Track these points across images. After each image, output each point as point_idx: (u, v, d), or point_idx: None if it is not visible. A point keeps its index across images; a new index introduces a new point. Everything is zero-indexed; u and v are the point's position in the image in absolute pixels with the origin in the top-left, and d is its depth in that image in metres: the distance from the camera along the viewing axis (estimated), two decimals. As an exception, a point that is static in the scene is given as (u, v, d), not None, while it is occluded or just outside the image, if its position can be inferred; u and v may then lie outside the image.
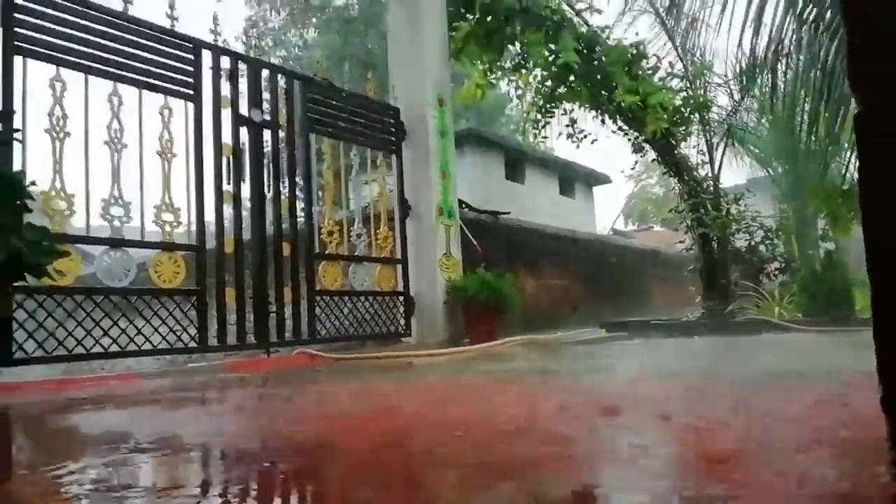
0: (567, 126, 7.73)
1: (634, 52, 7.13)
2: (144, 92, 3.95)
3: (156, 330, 3.84)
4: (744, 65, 6.83)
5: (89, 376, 3.65)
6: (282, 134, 4.87)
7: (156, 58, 4.03)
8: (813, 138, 5.46)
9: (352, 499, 1.14)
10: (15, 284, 2.91)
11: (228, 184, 4.33)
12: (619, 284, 9.74)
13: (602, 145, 8.11)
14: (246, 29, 16.02)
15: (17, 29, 3.44)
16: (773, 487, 1.00)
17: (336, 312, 4.96)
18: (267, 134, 4.73)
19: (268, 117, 4.73)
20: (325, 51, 13.85)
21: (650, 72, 7.30)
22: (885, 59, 1.06)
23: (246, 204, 4.58)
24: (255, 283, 4.43)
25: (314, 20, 16.40)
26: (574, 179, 13.33)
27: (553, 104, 7.58)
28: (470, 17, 6.93)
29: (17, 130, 3.23)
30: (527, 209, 9.56)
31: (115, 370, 4.04)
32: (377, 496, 1.12)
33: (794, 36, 5.14)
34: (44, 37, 3.55)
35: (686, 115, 7.40)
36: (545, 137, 8.09)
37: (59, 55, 3.60)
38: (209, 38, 4.42)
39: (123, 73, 3.86)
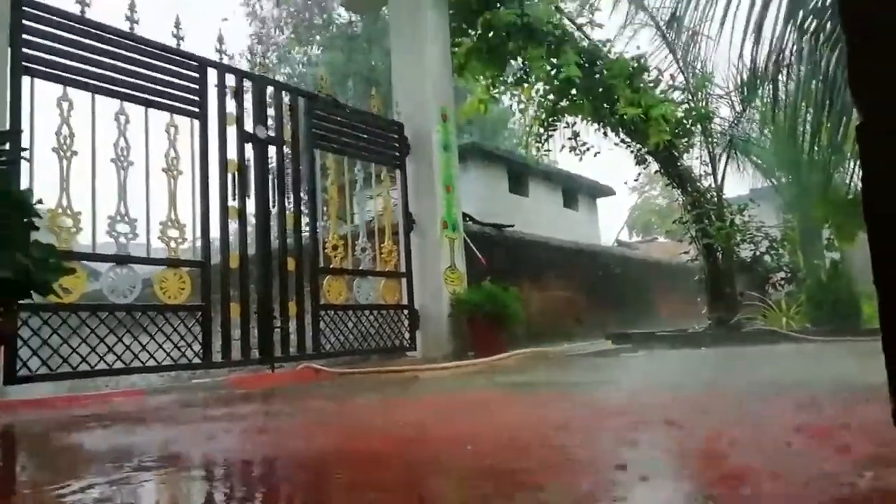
0: (570, 139, 7.76)
1: (636, 65, 7.17)
2: (150, 110, 3.99)
3: (160, 346, 3.84)
4: (745, 76, 6.85)
5: (94, 393, 3.65)
6: (286, 150, 4.91)
7: (162, 76, 4.08)
8: (816, 148, 5.45)
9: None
10: (21, 302, 2.92)
11: (233, 200, 4.35)
12: (624, 296, 9.71)
13: (605, 157, 8.11)
14: (251, 47, 16.20)
15: (24, 49, 3.49)
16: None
17: (341, 327, 4.96)
18: (272, 150, 4.76)
19: (272, 133, 4.76)
20: (328, 68, 13.97)
21: (652, 84, 7.33)
22: (885, 58, 1.06)
23: (251, 219, 4.60)
24: (260, 298, 4.44)
25: (318, 38, 16.56)
26: (577, 192, 13.35)
27: (555, 118, 7.61)
28: (472, 33, 7.00)
29: (25, 149, 3.25)
30: (531, 222, 9.56)
31: (120, 387, 4.04)
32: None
33: (795, 47, 5.15)
34: (51, 57, 3.59)
35: (688, 126, 7.42)
36: (548, 150, 8.11)
37: (67, 75, 3.65)
38: (215, 57, 4.48)
39: (130, 91, 3.90)
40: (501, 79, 7.65)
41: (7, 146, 2.89)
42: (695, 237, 7.43)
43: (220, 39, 4.64)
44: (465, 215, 6.38)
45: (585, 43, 7.27)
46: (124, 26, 3.95)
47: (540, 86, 7.50)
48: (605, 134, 7.59)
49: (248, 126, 4.55)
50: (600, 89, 7.10)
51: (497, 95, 8.15)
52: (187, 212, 4.09)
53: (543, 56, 6.79)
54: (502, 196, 11.10)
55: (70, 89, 3.64)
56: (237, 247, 4.35)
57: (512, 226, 7.95)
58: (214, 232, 4.22)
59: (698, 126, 7.50)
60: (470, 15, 6.86)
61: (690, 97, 7.67)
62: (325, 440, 1.97)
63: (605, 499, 1.14)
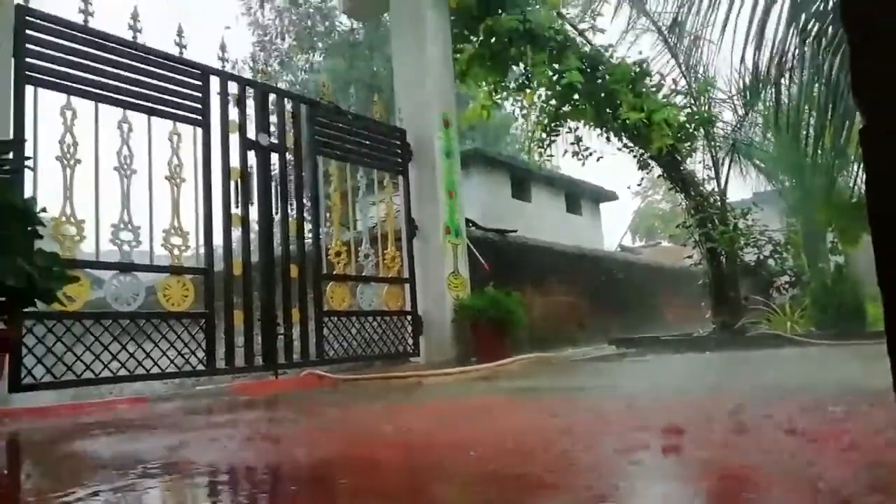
0: (572, 144, 7.77)
1: (638, 69, 7.18)
2: (153, 118, 4.01)
3: (164, 353, 3.84)
4: (747, 80, 6.85)
5: (98, 401, 3.65)
6: (289, 157, 4.92)
7: (165, 84, 4.10)
8: (819, 152, 5.44)
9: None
10: (25, 310, 2.93)
11: (237, 207, 4.36)
12: (628, 300, 9.68)
13: (608, 162, 8.12)
14: (253, 54, 16.28)
15: (28, 59, 3.51)
16: None
17: (344, 333, 4.96)
18: (274, 157, 4.77)
19: (275, 141, 4.78)
20: (330, 74, 14.03)
21: (654, 89, 7.34)
22: (887, 61, 1.06)
23: (254, 227, 4.60)
24: (264, 305, 4.44)
25: (320, 45, 16.64)
26: (580, 196, 13.35)
27: (558, 123, 7.62)
28: (474, 39, 7.03)
29: (28, 158, 3.27)
30: (534, 227, 9.56)
31: (124, 394, 4.04)
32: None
33: (797, 51, 5.16)
34: (55, 66, 3.62)
35: (691, 130, 7.42)
36: (551, 156, 8.12)
37: (70, 84, 3.67)
38: (217, 64, 4.50)
39: (133, 100, 3.92)
40: (503, 84, 7.67)
41: (11, 155, 2.90)
42: (698, 241, 7.42)
43: (223, 47, 4.66)
44: (467, 221, 6.39)
45: (587, 48, 7.29)
46: (127, 35, 3.98)
47: (542, 91, 7.52)
48: (608, 139, 7.59)
49: (251, 133, 4.56)
50: (602, 94, 7.12)
51: (499, 101, 8.16)
52: (190, 219, 4.10)
53: (545, 61, 6.81)
54: (505, 201, 11.11)
55: (73, 98, 3.66)
56: (240, 254, 4.36)
57: (515, 231, 7.95)
58: (218, 239, 4.23)
59: (701, 130, 7.50)
60: (471, 21, 6.89)
61: (693, 101, 7.68)
62: (329, 446, 1.97)
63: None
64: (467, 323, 5.48)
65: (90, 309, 3.65)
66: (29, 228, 2.66)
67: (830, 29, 4.54)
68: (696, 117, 7.44)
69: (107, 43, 3.86)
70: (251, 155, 4.53)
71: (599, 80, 7.10)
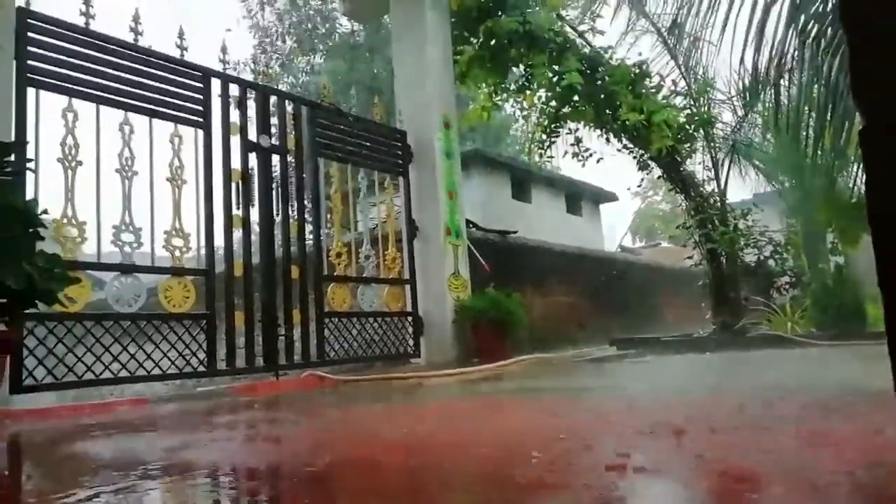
0: (572, 145, 7.77)
1: (637, 71, 7.19)
2: (155, 120, 4.02)
3: (165, 355, 3.84)
4: (746, 81, 6.86)
5: (98, 402, 3.65)
6: (290, 158, 4.93)
7: (166, 87, 4.10)
8: (819, 152, 5.45)
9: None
10: (26, 311, 2.94)
11: (238, 208, 4.36)
12: (628, 301, 9.68)
13: (608, 163, 8.12)
14: (254, 56, 16.29)
15: (30, 61, 3.52)
16: None
17: (345, 334, 4.96)
18: (275, 159, 4.78)
19: (276, 142, 4.78)
20: (331, 76, 14.04)
21: (654, 90, 7.34)
22: (887, 61, 1.07)
23: (255, 228, 4.61)
24: (264, 307, 4.44)
25: (321, 47, 16.65)
26: (580, 197, 13.35)
27: (558, 124, 7.63)
28: (474, 40, 7.04)
29: (30, 160, 3.28)
30: (534, 228, 9.57)
31: (125, 396, 4.04)
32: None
33: (797, 52, 5.16)
34: (56, 68, 3.63)
35: (690, 131, 7.42)
36: (551, 157, 8.13)
37: (71, 86, 3.68)
38: (218, 67, 4.51)
39: (134, 102, 3.93)
40: (503, 86, 7.67)
41: (12, 157, 2.90)
42: (698, 242, 7.42)
43: (224, 49, 4.67)
44: (468, 222, 6.39)
45: (587, 49, 7.29)
46: (128, 38, 3.99)
47: (542, 92, 7.53)
48: (608, 140, 7.60)
49: (252, 135, 4.57)
50: (602, 95, 7.13)
51: (499, 103, 8.17)
52: (191, 221, 4.11)
53: (545, 63, 6.82)
54: (505, 202, 11.11)
55: (75, 100, 3.67)
56: (241, 255, 4.36)
57: (515, 232, 7.95)
58: (219, 241, 4.23)
59: (701, 131, 7.50)
60: (471, 23, 6.90)
61: (692, 102, 7.69)
62: (330, 448, 1.97)
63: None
64: (468, 324, 5.48)
65: (91, 310, 3.65)
66: (30, 230, 2.66)
67: (830, 30, 4.55)
68: (696, 118, 7.45)
69: (108, 45, 3.87)
70: (252, 156, 4.54)
71: (599, 82, 7.11)
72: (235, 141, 4.44)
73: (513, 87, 7.73)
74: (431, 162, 5.80)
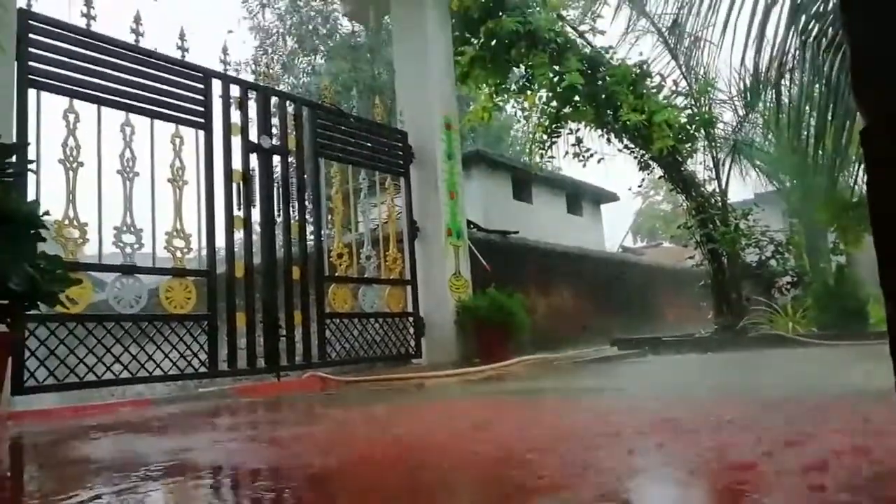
0: (573, 145, 7.78)
1: (638, 71, 7.19)
2: (156, 121, 4.02)
3: (166, 356, 3.85)
4: (747, 81, 6.86)
5: (100, 403, 3.66)
6: (291, 159, 4.94)
7: (167, 88, 4.11)
8: (820, 152, 5.44)
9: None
10: (27, 312, 2.94)
11: (239, 209, 4.37)
12: (630, 301, 9.68)
13: (608, 163, 8.13)
14: (255, 57, 16.29)
15: (31, 62, 3.53)
16: None
17: (346, 335, 4.96)
18: (276, 159, 4.78)
19: (277, 143, 4.79)
20: (332, 77, 14.04)
21: (655, 90, 7.35)
22: (888, 62, 1.07)
23: (256, 229, 4.61)
24: (266, 307, 4.45)
25: (321, 47, 16.65)
26: (581, 198, 13.34)
27: (559, 124, 7.63)
28: (474, 41, 7.04)
29: (31, 161, 3.28)
30: (535, 228, 9.56)
31: (126, 396, 4.04)
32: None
33: (798, 52, 5.16)
34: (57, 70, 3.63)
35: (691, 131, 7.43)
36: (552, 157, 8.14)
37: (72, 87, 3.68)
38: (219, 67, 4.51)
39: (135, 103, 3.94)
40: (504, 87, 7.68)
41: (14, 158, 2.91)
42: (700, 242, 7.42)
43: (225, 50, 4.68)
44: (469, 222, 6.39)
45: (588, 50, 7.30)
46: (129, 39, 4.00)
47: (543, 93, 7.53)
48: (609, 140, 7.61)
49: (253, 136, 4.58)
50: (603, 96, 7.13)
51: (500, 103, 8.18)
52: (193, 222, 4.12)
53: (546, 63, 6.83)
54: (506, 203, 11.11)
55: (76, 101, 3.68)
56: (242, 256, 4.36)
57: (516, 232, 7.96)
58: (220, 241, 4.24)
59: (702, 131, 7.50)
60: (472, 24, 6.90)
61: (693, 102, 7.68)
62: (331, 449, 1.97)
63: (613, 505, 1.14)
64: (469, 324, 5.48)
65: (93, 311, 3.66)
66: (32, 231, 2.66)
67: (831, 30, 4.55)
68: (697, 118, 7.45)
69: (109, 46, 3.88)
70: (253, 157, 4.54)
71: (600, 82, 7.11)
72: (236, 142, 4.45)
73: (514, 87, 7.74)
74: (432, 162, 5.81)
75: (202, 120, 4.25)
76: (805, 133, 5.65)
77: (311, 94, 12.75)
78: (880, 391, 2.16)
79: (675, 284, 10.53)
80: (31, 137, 3.43)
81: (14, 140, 3.29)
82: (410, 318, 5.54)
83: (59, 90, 3.63)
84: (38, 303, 2.72)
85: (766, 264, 7.78)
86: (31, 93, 3.51)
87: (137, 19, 4.05)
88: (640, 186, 13.09)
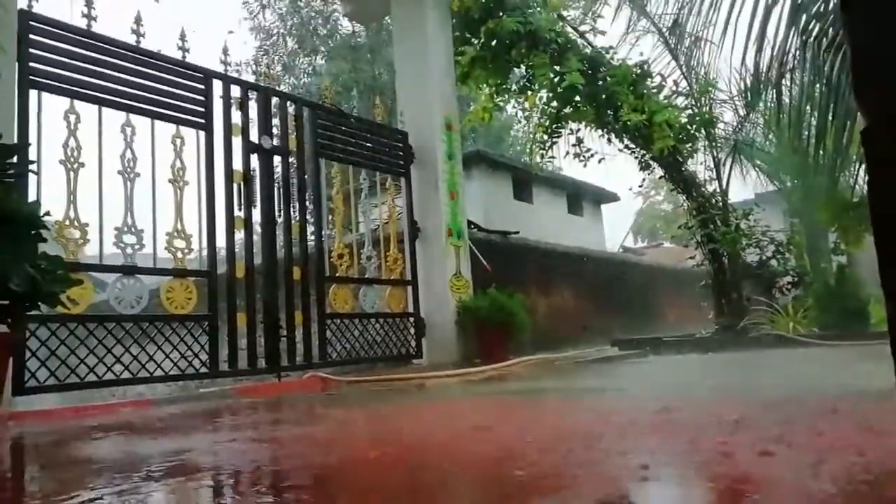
0: (574, 145, 7.78)
1: (639, 71, 7.19)
2: (157, 122, 4.02)
3: (167, 356, 3.85)
4: (748, 81, 6.85)
5: (101, 404, 3.66)
6: (292, 159, 4.94)
7: (168, 88, 4.11)
8: (821, 152, 5.44)
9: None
10: (28, 313, 2.94)
11: (239, 210, 4.37)
12: (630, 301, 9.68)
13: (609, 163, 8.12)
14: (256, 58, 16.30)
15: (32, 63, 3.53)
16: None
17: (347, 335, 4.96)
18: (277, 160, 4.79)
19: (278, 143, 4.79)
20: (333, 78, 14.04)
21: (655, 90, 7.35)
22: (889, 62, 1.07)
23: (257, 229, 4.62)
24: (266, 308, 4.45)
25: (322, 48, 16.66)
26: (582, 198, 13.34)
27: (559, 124, 7.63)
28: (475, 41, 7.04)
29: (32, 162, 3.28)
30: (536, 228, 9.56)
31: (127, 397, 4.05)
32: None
33: (798, 52, 5.15)
34: (58, 70, 3.63)
35: (692, 132, 7.43)
36: (552, 157, 8.14)
37: (73, 88, 3.69)
38: (220, 68, 4.51)
39: (136, 103, 3.94)
40: (505, 87, 7.68)
41: (15, 159, 2.91)
42: (700, 242, 7.42)
43: (225, 51, 4.68)
44: (469, 223, 6.39)
45: (588, 50, 7.30)
46: (130, 39, 4.00)
47: (543, 93, 7.53)
48: (609, 140, 7.61)
49: (254, 136, 4.58)
50: (603, 96, 7.13)
51: (501, 103, 8.18)
52: (193, 222, 4.12)
53: (546, 63, 6.83)
54: (507, 203, 11.10)
55: (77, 102, 3.68)
56: (243, 256, 4.37)
57: (517, 233, 7.96)
58: (220, 242, 4.24)
59: (702, 131, 7.50)
60: (473, 24, 6.91)
61: (694, 102, 7.68)
62: (332, 449, 1.97)
63: (614, 506, 1.14)
64: (470, 325, 5.48)
65: (94, 312, 3.66)
66: (33, 232, 2.67)
67: (831, 30, 4.54)
68: (698, 118, 7.44)
69: (110, 47, 3.88)
70: (254, 158, 4.54)
71: (600, 82, 7.11)
72: (237, 142, 4.45)
73: (514, 87, 7.74)
74: (433, 163, 5.81)
75: (203, 120, 4.26)
76: (806, 133, 5.64)
77: (312, 94, 12.75)
78: (881, 391, 2.16)
79: (676, 284, 10.53)
80: (33, 138, 3.43)
81: (15, 141, 3.30)
82: (411, 319, 5.54)
83: (60, 91, 3.64)
84: (39, 303, 2.73)
85: (766, 264, 7.78)
86: (33, 93, 3.51)
87: (138, 20, 4.05)
88: (640, 186, 13.12)
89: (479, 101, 7.92)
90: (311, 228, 4.92)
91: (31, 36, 3.55)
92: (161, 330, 3.88)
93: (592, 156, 7.79)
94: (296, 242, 4.75)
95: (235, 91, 4.54)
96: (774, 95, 6.26)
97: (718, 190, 7.66)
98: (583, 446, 1.67)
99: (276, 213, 4.63)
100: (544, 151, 7.92)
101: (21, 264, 2.52)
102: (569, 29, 7.34)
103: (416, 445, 1.91)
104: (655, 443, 1.66)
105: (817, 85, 5.08)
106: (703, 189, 7.58)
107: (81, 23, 3.79)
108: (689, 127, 7.38)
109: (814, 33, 4.75)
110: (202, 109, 4.27)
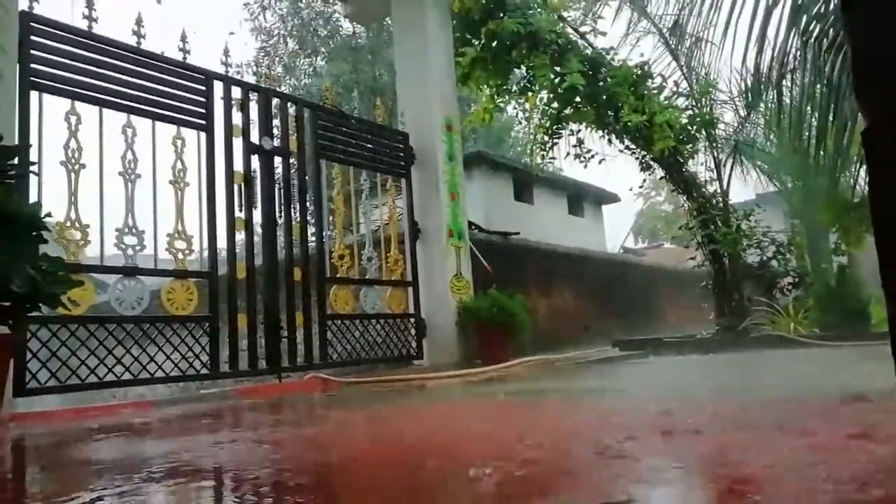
0: (574, 146, 7.78)
1: (639, 72, 7.19)
2: (157, 123, 4.03)
3: (168, 357, 3.85)
4: (748, 82, 6.85)
5: (102, 405, 3.66)
6: (293, 160, 4.94)
7: (168, 89, 4.12)
8: (821, 153, 5.43)
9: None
10: (29, 314, 2.94)
11: (240, 211, 4.37)
12: (631, 302, 9.67)
13: (610, 164, 8.12)
14: (257, 59, 16.32)
15: (33, 65, 3.54)
16: None
17: (347, 336, 4.96)
18: (278, 161, 4.79)
19: (278, 144, 4.80)
20: (333, 78, 14.05)
21: (656, 91, 7.34)
22: (890, 62, 1.07)
23: (257, 230, 4.62)
24: (267, 309, 4.45)
25: (323, 49, 16.67)
26: (583, 198, 13.34)
27: (560, 125, 7.63)
28: (475, 42, 7.04)
29: (34, 163, 3.29)
30: (536, 229, 9.56)
31: (128, 398, 4.05)
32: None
33: (798, 53, 5.15)
34: (59, 72, 3.64)
35: (693, 132, 7.42)
36: (553, 158, 8.14)
37: (74, 89, 3.69)
38: (220, 69, 4.52)
39: (137, 105, 3.94)
40: (505, 88, 7.68)
41: (16, 160, 2.91)
42: (701, 243, 7.41)
43: (226, 52, 4.68)
44: (470, 224, 6.39)
45: (589, 51, 7.30)
46: (131, 41, 4.00)
47: (544, 94, 7.53)
48: (610, 141, 7.60)
49: (255, 137, 4.58)
50: (604, 97, 7.13)
51: (502, 104, 8.18)
52: (194, 223, 4.12)
53: (547, 64, 6.83)
54: (507, 204, 11.10)
55: (78, 103, 3.68)
56: (244, 257, 4.37)
57: (518, 233, 7.95)
58: (221, 243, 4.24)
59: (703, 132, 7.50)
60: (473, 25, 6.91)
61: (694, 103, 7.68)
62: (333, 450, 1.97)
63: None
64: (471, 326, 5.48)
65: (94, 313, 3.66)
66: (34, 233, 2.67)
67: (832, 31, 4.54)
68: (698, 119, 7.44)
69: (111, 48, 3.88)
70: (255, 159, 4.54)
71: (601, 83, 7.11)
72: (238, 143, 4.45)
73: (515, 88, 7.74)
74: (433, 164, 5.81)
75: (204, 121, 4.26)
76: (806, 133, 5.64)
77: (313, 95, 12.77)
78: (882, 392, 2.16)
79: (677, 285, 10.52)
80: (34, 139, 3.44)
81: (16, 142, 3.30)
82: (412, 320, 5.54)
83: (61, 92, 3.64)
84: (40, 304, 2.73)
85: (767, 265, 7.77)
86: (34, 95, 3.51)
87: (139, 21, 4.05)
88: (641, 187, 13.12)
89: (479, 101, 7.93)
90: (311, 229, 4.92)
91: (33, 37, 3.56)
92: (162, 331, 3.88)
93: (593, 157, 7.79)
94: (296, 243, 4.75)
95: (236, 92, 4.55)
96: (775, 96, 6.26)
97: (719, 191, 7.65)
98: (583, 448, 1.67)
99: (277, 214, 4.63)
100: (545, 152, 7.92)
101: (22, 265, 2.52)
102: (569, 30, 7.34)
103: (416, 446, 1.91)
104: (657, 444, 1.66)
105: (818, 85, 5.08)
106: (704, 190, 7.58)
107: (82, 24, 3.80)
108: (689, 128, 7.38)
109: (814, 34, 4.75)
110: (203, 110, 4.27)
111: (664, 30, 7.59)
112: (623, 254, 15.76)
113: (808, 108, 5.48)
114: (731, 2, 5.16)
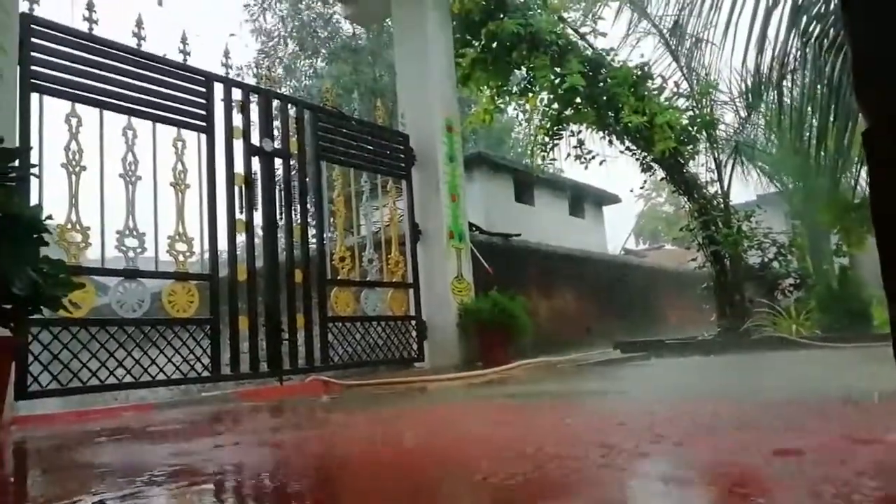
0: (575, 147, 7.78)
1: (639, 72, 7.19)
2: (158, 125, 4.03)
3: (169, 360, 3.85)
4: (749, 82, 6.85)
5: (103, 408, 3.66)
6: (293, 162, 4.94)
7: (169, 91, 4.12)
8: (822, 153, 5.43)
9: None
10: (30, 317, 2.94)
11: (241, 213, 4.37)
12: (632, 304, 9.66)
13: (610, 165, 8.12)
14: (257, 60, 16.33)
15: (33, 67, 3.54)
16: None
17: (349, 338, 4.96)
18: (278, 162, 4.79)
19: (279, 146, 4.80)
20: (334, 80, 14.06)
21: (656, 92, 7.35)
22: (890, 63, 1.06)
23: (258, 232, 4.62)
24: (268, 311, 4.45)
25: (323, 50, 16.68)
26: (583, 200, 13.34)
27: (560, 126, 7.63)
28: (476, 43, 7.05)
29: (34, 165, 3.28)
30: (537, 230, 9.56)
31: (129, 401, 4.05)
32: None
33: (799, 53, 5.15)
34: (60, 74, 3.64)
35: (693, 133, 7.42)
36: (553, 160, 8.15)
37: (75, 91, 3.69)
38: (221, 71, 4.52)
39: (137, 107, 3.94)
40: (506, 89, 7.69)
41: (17, 163, 2.91)
42: (702, 244, 7.41)
43: (226, 54, 4.69)
44: (471, 225, 6.39)
45: (589, 52, 7.30)
46: (131, 43, 4.00)
47: (544, 95, 7.54)
48: (610, 142, 7.60)
49: (255, 139, 4.58)
50: (604, 97, 7.13)
51: (502, 105, 8.19)
52: (195, 225, 4.12)
53: (547, 65, 6.83)
54: (508, 205, 11.11)
55: (78, 105, 3.69)
56: (245, 259, 4.37)
57: (518, 235, 7.95)
58: (222, 245, 4.24)
59: (703, 133, 7.49)
60: (473, 26, 6.92)
61: (695, 104, 7.68)
62: (334, 453, 1.97)
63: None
64: (472, 328, 5.48)
65: (96, 315, 3.66)
66: (35, 235, 2.67)
67: (832, 31, 4.54)
68: (699, 120, 7.44)
69: (111, 50, 3.89)
70: (255, 160, 4.54)
71: (601, 84, 7.11)
72: (238, 145, 4.45)
73: (515, 89, 7.75)
74: (434, 165, 5.81)
75: (204, 123, 4.26)
76: (807, 134, 5.64)
77: (313, 96, 12.78)
78: (883, 393, 2.16)
79: (678, 287, 10.51)
80: (34, 141, 3.44)
81: (17, 144, 3.30)
82: (412, 322, 5.53)
83: (62, 94, 3.64)
84: (41, 307, 2.72)
85: (768, 266, 7.76)
86: (34, 97, 3.51)
87: (139, 23, 4.06)
88: (642, 188, 13.11)
89: (479, 103, 7.93)
90: (312, 231, 4.92)
91: (33, 39, 3.56)
92: (163, 333, 3.88)
93: (593, 158, 7.79)
94: (297, 245, 4.75)
95: (237, 94, 4.55)
96: (775, 97, 6.27)
97: (720, 192, 7.65)
98: (584, 450, 1.67)
99: (278, 216, 4.63)
100: (545, 153, 7.92)
101: (23, 268, 2.52)
102: (569, 31, 7.34)
103: (417, 449, 1.91)
104: (658, 446, 1.65)
105: (818, 86, 5.07)
106: (705, 191, 7.57)
107: (83, 26, 3.80)
108: (690, 128, 7.38)
109: (814, 34, 4.75)
110: (203, 112, 4.28)
111: (664, 30, 7.59)
112: (624, 255, 15.75)
113: (809, 108, 5.48)
114: (732, 2, 5.17)
